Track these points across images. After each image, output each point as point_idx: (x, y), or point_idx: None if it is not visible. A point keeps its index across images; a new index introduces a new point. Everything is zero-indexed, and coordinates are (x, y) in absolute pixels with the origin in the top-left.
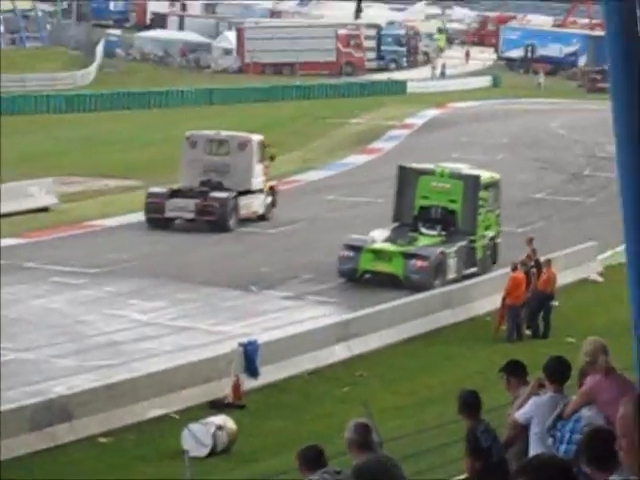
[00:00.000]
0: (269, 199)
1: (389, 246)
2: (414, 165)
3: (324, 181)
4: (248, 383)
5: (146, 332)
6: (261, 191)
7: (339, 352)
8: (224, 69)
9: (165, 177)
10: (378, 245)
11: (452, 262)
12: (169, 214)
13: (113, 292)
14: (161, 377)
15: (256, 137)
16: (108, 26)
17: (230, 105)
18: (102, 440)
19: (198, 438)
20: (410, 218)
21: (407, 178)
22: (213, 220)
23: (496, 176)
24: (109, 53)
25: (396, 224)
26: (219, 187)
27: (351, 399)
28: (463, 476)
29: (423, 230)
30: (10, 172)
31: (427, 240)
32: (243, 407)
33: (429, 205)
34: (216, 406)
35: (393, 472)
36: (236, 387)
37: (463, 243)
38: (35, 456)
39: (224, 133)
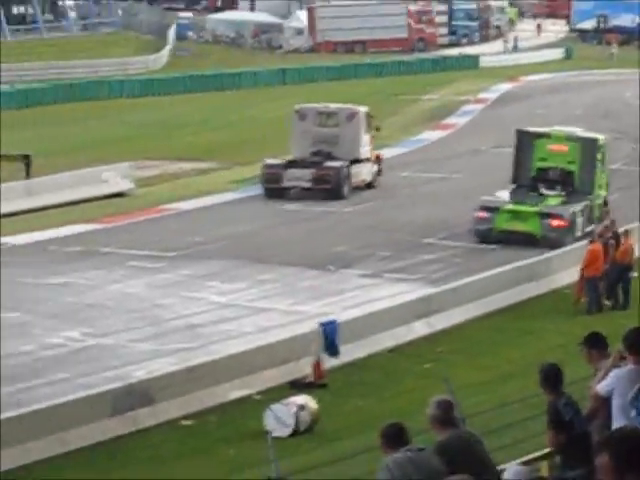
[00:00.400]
0: (375, 167)
1: (525, 206)
2: (531, 129)
3: (398, 158)
4: (328, 362)
5: (225, 314)
6: (368, 160)
7: (419, 329)
8: (296, 49)
9: (241, 158)
10: (514, 206)
11: (579, 220)
12: (287, 184)
13: (191, 275)
14: (241, 358)
15: (363, 109)
16: (179, 9)
17: (303, 85)
18: (184, 423)
19: (280, 418)
20: (528, 180)
21: (524, 142)
22: (329, 188)
23: (605, 138)
24: (181, 36)
25: (514, 186)
26: (330, 157)
27: (432, 375)
28: (547, 450)
29: (543, 191)
30: (85, 158)
31: (553, 200)
32: (324, 386)
33: (547, 167)
34: (297, 386)
35: (476, 448)
36: (317, 366)
37: (587, 202)
38: (118, 441)
39: (333, 106)
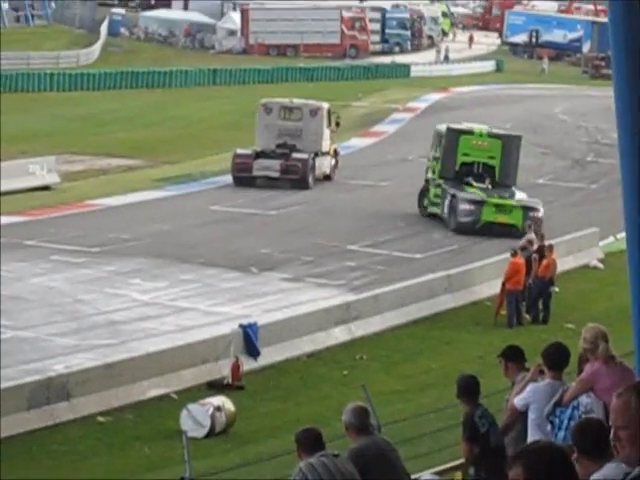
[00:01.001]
0: (333, 161)
1: (510, 200)
2: (456, 126)
3: None
4: (247, 364)
5: (146, 312)
6: (328, 153)
7: (339, 335)
8: (228, 50)
9: (169, 156)
10: (499, 199)
11: None
12: (256, 173)
13: (114, 271)
14: (160, 357)
15: (325, 105)
16: (113, 5)
17: (234, 86)
18: (100, 419)
19: (196, 419)
20: (452, 174)
21: (450, 138)
22: (296, 178)
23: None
24: (113, 32)
25: (440, 180)
26: (294, 149)
27: (350, 382)
28: (460, 461)
29: (473, 183)
30: (12, 150)
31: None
32: (242, 388)
33: (470, 161)
34: (215, 387)
35: (390, 456)
36: (235, 368)
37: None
38: (33, 434)
39: (297, 101)
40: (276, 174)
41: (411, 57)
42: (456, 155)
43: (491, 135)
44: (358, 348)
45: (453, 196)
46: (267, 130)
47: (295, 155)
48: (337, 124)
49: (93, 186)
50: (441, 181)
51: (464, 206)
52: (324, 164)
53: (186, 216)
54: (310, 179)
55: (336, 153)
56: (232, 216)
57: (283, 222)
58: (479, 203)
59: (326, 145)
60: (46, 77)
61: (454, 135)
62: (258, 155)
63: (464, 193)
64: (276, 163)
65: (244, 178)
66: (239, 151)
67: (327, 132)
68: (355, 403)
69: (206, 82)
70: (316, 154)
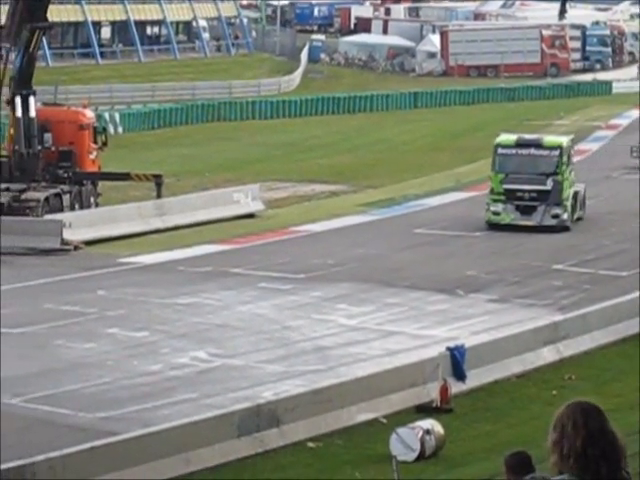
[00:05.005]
0: None
1: None
2: None
3: None
4: (455, 387)
5: (353, 337)
6: None
7: (548, 354)
8: (428, 72)
9: (372, 181)
10: None
11: None
12: None
13: (320, 297)
14: (368, 381)
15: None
16: (312, 31)
17: (435, 108)
18: (310, 445)
19: (406, 442)
20: None
21: None
22: None
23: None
24: (314, 58)
25: None
26: None
27: (559, 402)
28: None
29: None
30: (217, 179)
31: None
32: (451, 411)
33: None
34: (424, 410)
35: None
36: (444, 391)
37: None
38: (244, 462)
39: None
40: None
41: (612, 74)
42: None
43: None
44: (567, 368)
45: None
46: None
47: None
48: None
49: (297, 212)
50: None
51: None
52: None
53: (390, 240)
54: None
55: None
56: (436, 239)
57: (487, 243)
58: None
59: None
60: (248, 105)
61: None
62: None
63: None
64: None
65: None
66: None
67: None
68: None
69: (407, 105)
70: None
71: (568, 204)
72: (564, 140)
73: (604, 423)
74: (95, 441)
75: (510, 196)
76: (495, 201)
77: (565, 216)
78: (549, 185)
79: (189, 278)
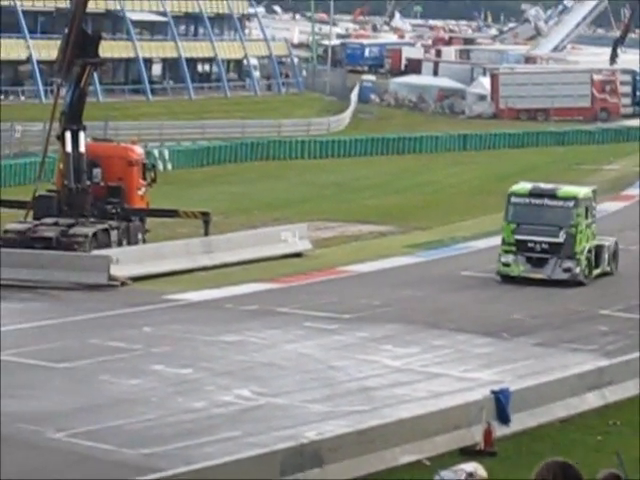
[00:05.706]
0: None
1: None
2: None
3: None
4: (499, 430)
5: (398, 378)
6: None
7: (593, 400)
8: (478, 114)
9: (420, 222)
10: None
11: None
12: None
13: (366, 338)
14: (413, 423)
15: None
16: (363, 72)
17: (484, 151)
18: None
19: None
20: None
21: None
22: None
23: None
24: (364, 99)
25: None
26: None
27: (604, 448)
28: None
29: None
30: (265, 217)
31: None
32: (494, 454)
33: None
34: (467, 453)
35: None
36: (488, 434)
37: None
38: None
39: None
40: None
41: None
42: None
43: None
44: (612, 413)
45: None
46: None
47: None
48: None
49: (344, 252)
50: None
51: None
52: None
53: (437, 281)
54: None
55: None
56: (483, 281)
57: (533, 287)
58: None
59: None
60: (297, 144)
61: None
62: None
63: None
64: None
65: None
66: None
67: None
68: (608, 469)
69: (456, 147)
70: None
71: (582, 258)
72: (581, 191)
73: (579, 475)
74: (137, 477)
75: (521, 247)
76: (506, 252)
77: (577, 270)
78: (562, 237)
79: (235, 316)
